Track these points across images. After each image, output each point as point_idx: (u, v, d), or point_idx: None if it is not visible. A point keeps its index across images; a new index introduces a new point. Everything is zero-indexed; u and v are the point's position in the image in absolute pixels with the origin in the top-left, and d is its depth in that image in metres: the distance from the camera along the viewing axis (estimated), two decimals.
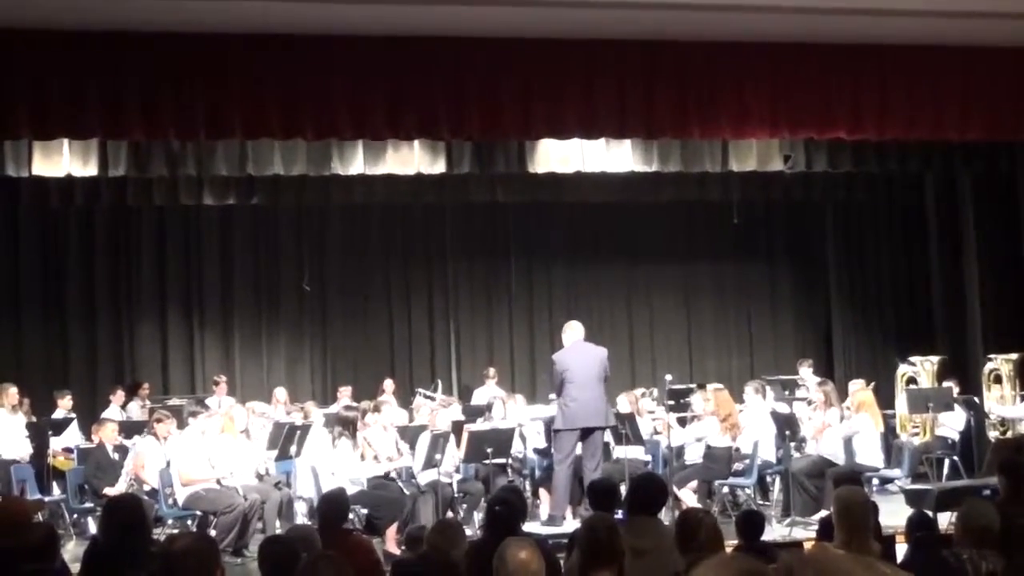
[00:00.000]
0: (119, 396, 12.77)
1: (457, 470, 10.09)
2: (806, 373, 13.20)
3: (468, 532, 7.08)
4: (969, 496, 6.03)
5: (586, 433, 9.45)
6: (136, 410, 12.67)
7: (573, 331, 9.84)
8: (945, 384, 11.81)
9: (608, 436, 10.38)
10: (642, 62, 9.02)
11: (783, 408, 11.14)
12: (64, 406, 11.98)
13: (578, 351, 9.69)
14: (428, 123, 8.90)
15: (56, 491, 10.69)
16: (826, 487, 9.36)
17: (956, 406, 11.49)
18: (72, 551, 8.42)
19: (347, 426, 9.57)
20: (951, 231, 13.51)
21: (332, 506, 6.21)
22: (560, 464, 9.46)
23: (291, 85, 8.51)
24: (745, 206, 14.00)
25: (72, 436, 11.29)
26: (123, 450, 10.33)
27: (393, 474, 9.71)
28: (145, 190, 11.70)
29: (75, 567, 5.59)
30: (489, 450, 9.55)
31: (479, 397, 13.39)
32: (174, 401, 12.55)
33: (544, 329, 14.87)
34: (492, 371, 14.01)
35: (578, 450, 9.51)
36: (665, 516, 7.43)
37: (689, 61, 9.10)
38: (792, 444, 10.13)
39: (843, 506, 4.66)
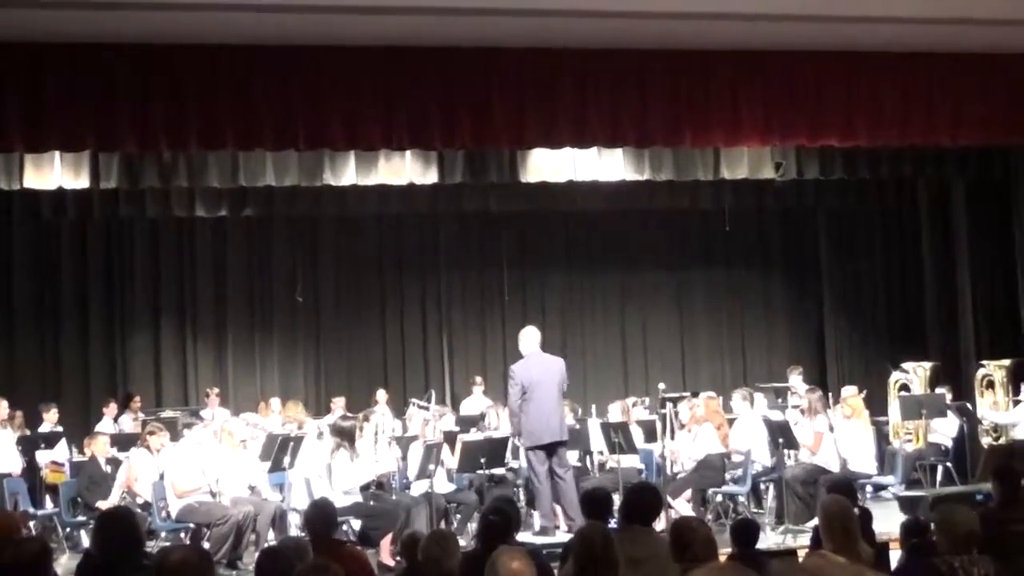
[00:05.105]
0: (112, 409, 12.69)
1: (451, 480, 10.06)
2: (796, 380, 13.18)
3: (462, 542, 7.06)
4: (945, 503, 6.06)
5: (551, 448, 9.29)
6: (128, 423, 12.58)
7: (531, 339, 9.57)
8: (938, 390, 11.81)
9: (602, 446, 10.36)
10: (634, 71, 9.03)
11: (776, 416, 11.12)
12: (49, 419, 11.85)
13: (538, 362, 9.47)
14: (420, 133, 8.88)
15: (49, 505, 10.65)
16: (819, 494, 9.35)
17: (949, 412, 11.50)
18: (65, 565, 8.38)
19: (344, 436, 9.50)
20: (944, 237, 13.53)
21: (320, 514, 6.19)
22: (539, 478, 9.30)
23: (283, 96, 8.50)
24: (737, 213, 14.04)
25: (60, 450, 11.21)
26: (116, 463, 10.30)
27: (386, 484, 9.69)
28: (137, 202, 11.68)
29: None
30: (483, 460, 9.53)
31: (467, 407, 13.35)
32: (167, 413, 12.49)
33: None
34: (479, 379, 13.97)
35: None
36: (659, 526, 7.41)
37: (681, 70, 9.11)
38: (786, 452, 10.12)
39: (825, 516, 4.79)
